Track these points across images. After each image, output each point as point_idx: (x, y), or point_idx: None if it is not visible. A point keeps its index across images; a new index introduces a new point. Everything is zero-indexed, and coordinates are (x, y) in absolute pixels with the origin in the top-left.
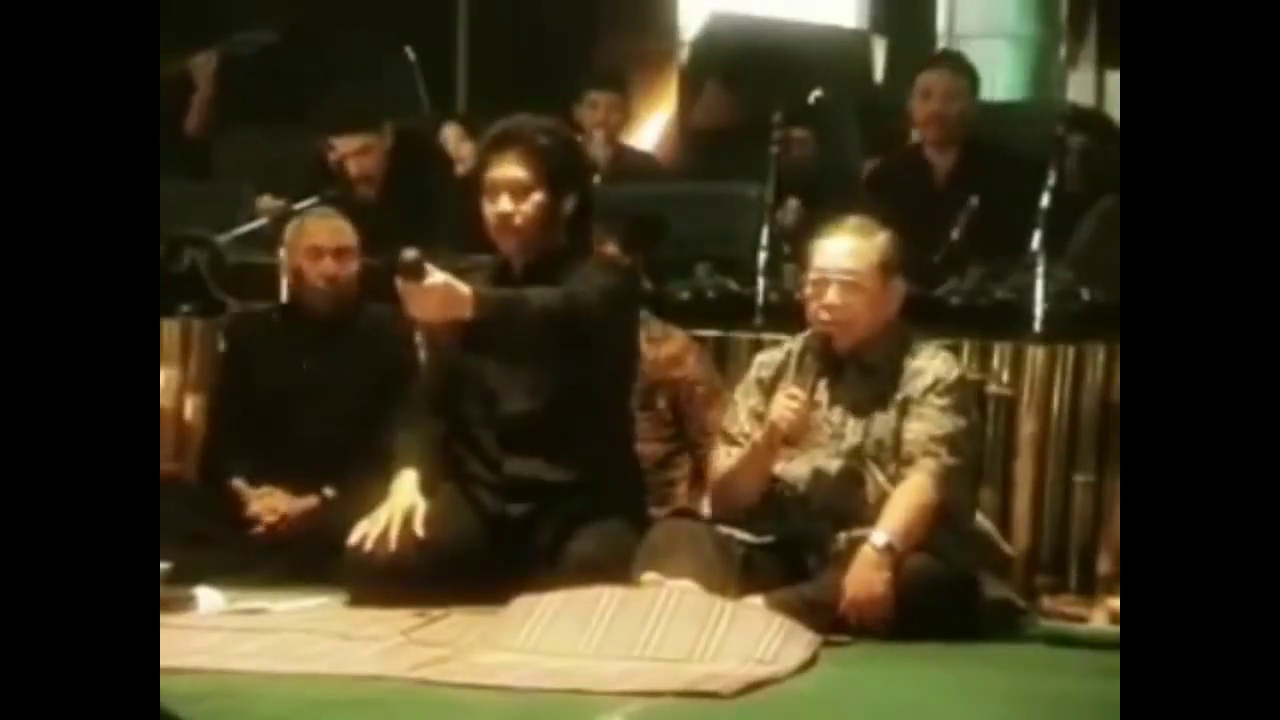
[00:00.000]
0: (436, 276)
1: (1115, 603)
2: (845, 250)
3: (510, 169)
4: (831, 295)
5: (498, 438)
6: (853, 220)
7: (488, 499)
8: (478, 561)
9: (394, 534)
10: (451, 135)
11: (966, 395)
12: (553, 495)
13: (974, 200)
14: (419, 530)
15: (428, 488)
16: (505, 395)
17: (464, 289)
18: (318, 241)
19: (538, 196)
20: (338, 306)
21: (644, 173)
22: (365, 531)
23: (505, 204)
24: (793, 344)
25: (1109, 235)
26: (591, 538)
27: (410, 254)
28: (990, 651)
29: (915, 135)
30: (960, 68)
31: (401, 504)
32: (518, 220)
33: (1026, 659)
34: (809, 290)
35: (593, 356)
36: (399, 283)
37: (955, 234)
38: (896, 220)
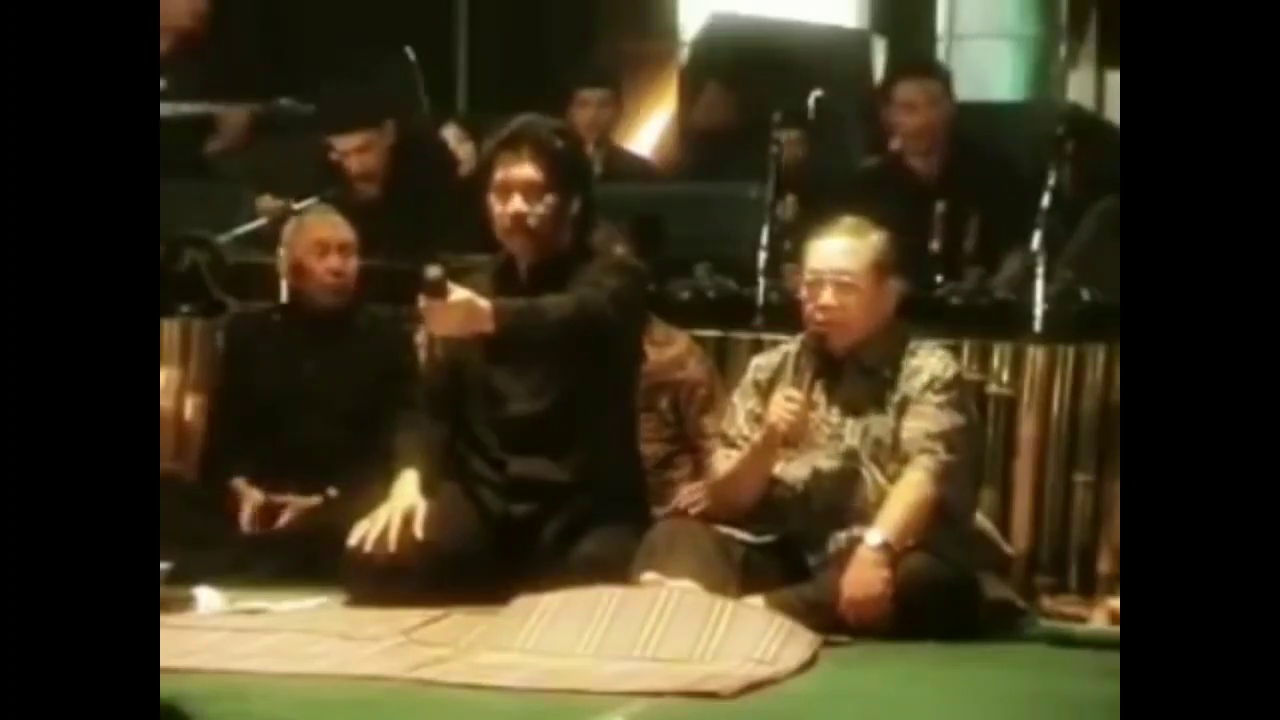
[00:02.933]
0: (459, 293)
1: (1115, 603)
2: (840, 250)
3: (524, 169)
4: (827, 296)
5: (502, 438)
6: (847, 220)
7: (491, 499)
8: (479, 562)
9: (393, 535)
10: (451, 135)
11: (964, 393)
12: (556, 495)
13: (941, 206)
14: (418, 531)
15: (428, 488)
16: (510, 396)
17: (485, 304)
18: (322, 236)
19: (550, 197)
20: (339, 304)
21: (635, 174)
22: (365, 532)
23: (519, 204)
24: (790, 346)
25: (1109, 235)
26: (595, 538)
27: (434, 271)
28: (990, 651)
29: (894, 143)
30: (932, 72)
31: (401, 504)
32: (532, 221)
33: (1026, 659)
34: (804, 291)
35: (600, 358)
36: (421, 300)
37: (938, 208)
38: (887, 227)
